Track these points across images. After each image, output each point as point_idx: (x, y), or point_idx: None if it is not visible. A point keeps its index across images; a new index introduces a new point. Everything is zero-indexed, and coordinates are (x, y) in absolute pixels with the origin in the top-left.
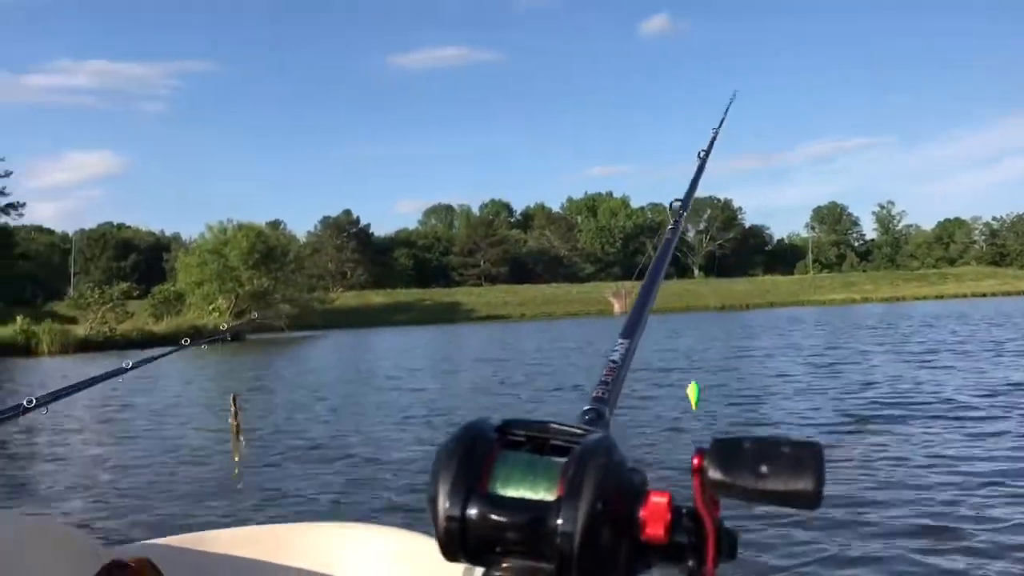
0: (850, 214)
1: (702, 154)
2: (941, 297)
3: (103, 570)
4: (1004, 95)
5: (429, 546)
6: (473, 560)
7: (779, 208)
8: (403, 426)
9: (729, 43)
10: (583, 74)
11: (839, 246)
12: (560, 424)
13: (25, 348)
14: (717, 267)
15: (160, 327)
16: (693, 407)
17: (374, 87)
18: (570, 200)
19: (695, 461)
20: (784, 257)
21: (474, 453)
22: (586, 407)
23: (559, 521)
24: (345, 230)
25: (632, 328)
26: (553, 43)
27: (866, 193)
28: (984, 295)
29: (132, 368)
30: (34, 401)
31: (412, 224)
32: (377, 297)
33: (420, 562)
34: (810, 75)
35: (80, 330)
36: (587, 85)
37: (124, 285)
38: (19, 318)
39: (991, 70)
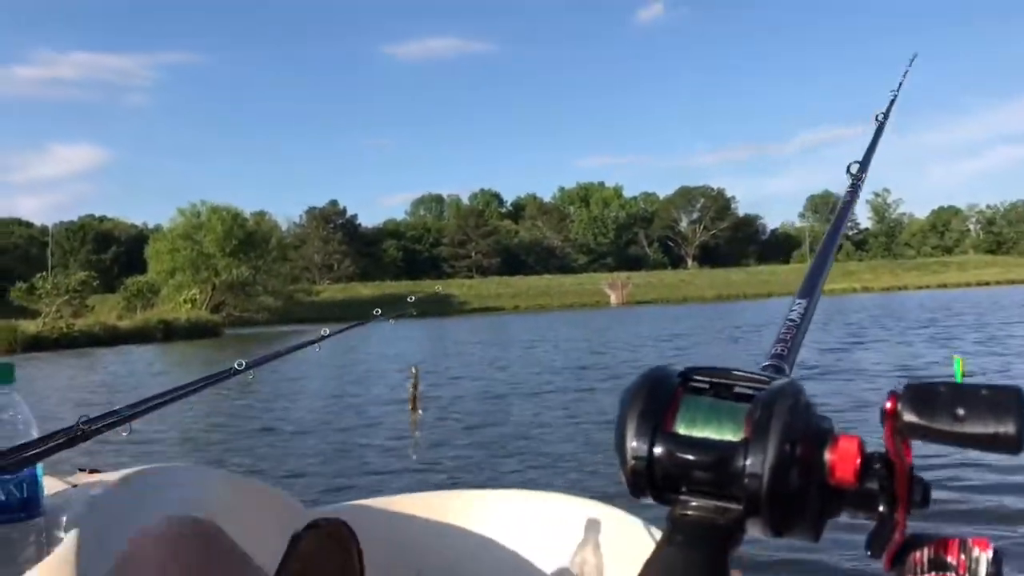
0: None
1: (880, 116)
2: (944, 286)
3: (305, 528)
4: (991, 83)
5: (614, 515)
6: (660, 498)
7: (773, 197)
8: (553, 398)
9: (723, 30)
10: (574, 63)
11: None
12: (744, 371)
13: None
14: (711, 258)
15: (125, 322)
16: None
17: (363, 77)
18: (561, 190)
19: (888, 405)
20: (778, 247)
21: (658, 395)
22: (765, 363)
23: (747, 461)
24: (331, 221)
25: (810, 288)
26: (545, 32)
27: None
28: (987, 284)
29: (328, 336)
30: (243, 364)
31: (400, 215)
32: (365, 290)
33: (606, 531)
34: (801, 63)
35: (32, 327)
36: (578, 74)
37: (83, 275)
38: None
39: (979, 58)
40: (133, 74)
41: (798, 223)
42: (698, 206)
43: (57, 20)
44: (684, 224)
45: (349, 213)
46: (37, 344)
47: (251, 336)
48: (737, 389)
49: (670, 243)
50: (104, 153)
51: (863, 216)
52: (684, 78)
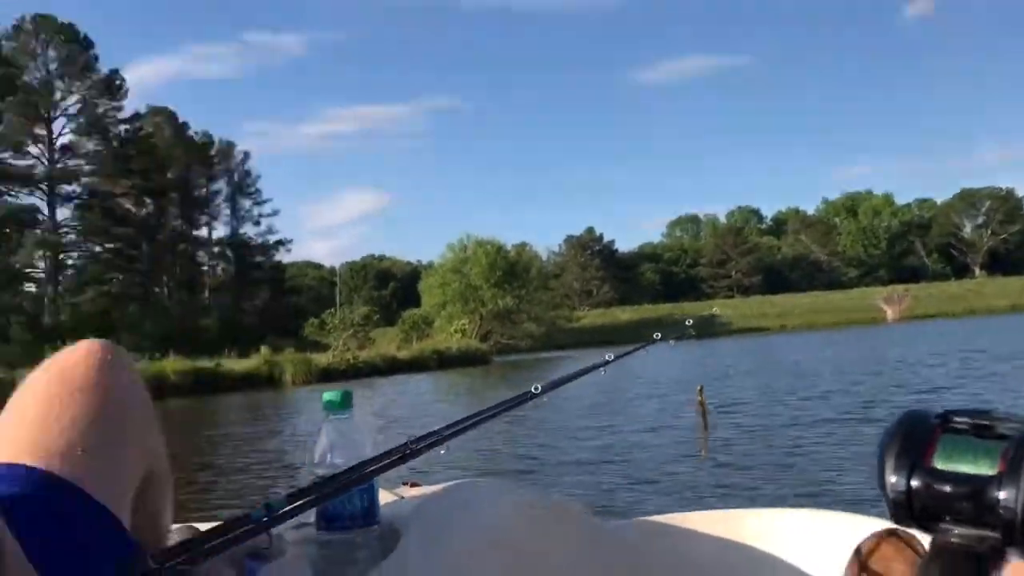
0: None
1: None
2: None
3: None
4: None
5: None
6: (922, 527)
7: None
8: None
9: (991, 22)
10: (830, 67)
11: None
12: (1002, 413)
13: (269, 379)
14: (1001, 265)
15: (403, 352)
16: None
17: (615, 104)
18: (825, 201)
19: None
20: None
21: (916, 433)
22: None
23: (1001, 494)
24: (589, 248)
25: None
26: (801, 39)
27: None
28: None
29: (613, 361)
30: (539, 388)
31: (656, 238)
32: (624, 314)
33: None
34: None
35: (323, 359)
36: (836, 78)
37: (365, 309)
38: (263, 349)
39: None
40: (405, 121)
41: None
42: (983, 209)
43: (335, 79)
44: (968, 230)
45: (606, 239)
46: (328, 375)
47: (518, 363)
48: (996, 429)
49: (952, 251)
50: (383, 196)
51: None
52: (958, 71)
